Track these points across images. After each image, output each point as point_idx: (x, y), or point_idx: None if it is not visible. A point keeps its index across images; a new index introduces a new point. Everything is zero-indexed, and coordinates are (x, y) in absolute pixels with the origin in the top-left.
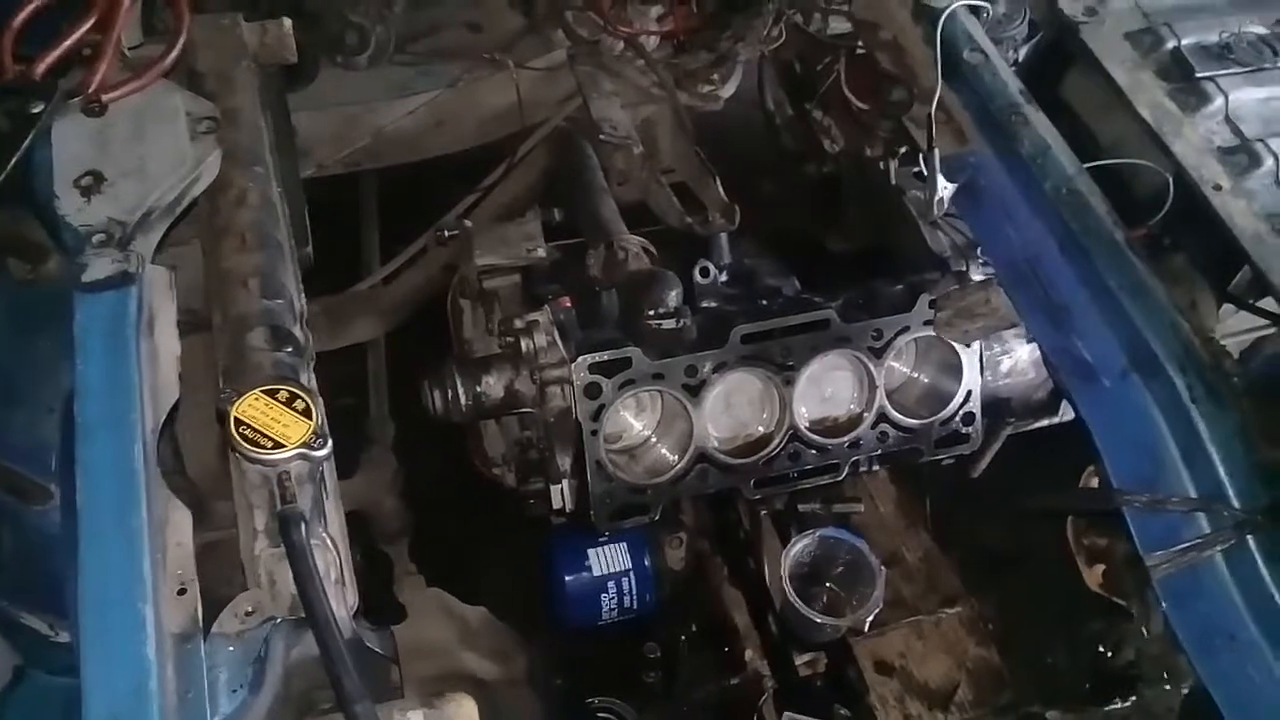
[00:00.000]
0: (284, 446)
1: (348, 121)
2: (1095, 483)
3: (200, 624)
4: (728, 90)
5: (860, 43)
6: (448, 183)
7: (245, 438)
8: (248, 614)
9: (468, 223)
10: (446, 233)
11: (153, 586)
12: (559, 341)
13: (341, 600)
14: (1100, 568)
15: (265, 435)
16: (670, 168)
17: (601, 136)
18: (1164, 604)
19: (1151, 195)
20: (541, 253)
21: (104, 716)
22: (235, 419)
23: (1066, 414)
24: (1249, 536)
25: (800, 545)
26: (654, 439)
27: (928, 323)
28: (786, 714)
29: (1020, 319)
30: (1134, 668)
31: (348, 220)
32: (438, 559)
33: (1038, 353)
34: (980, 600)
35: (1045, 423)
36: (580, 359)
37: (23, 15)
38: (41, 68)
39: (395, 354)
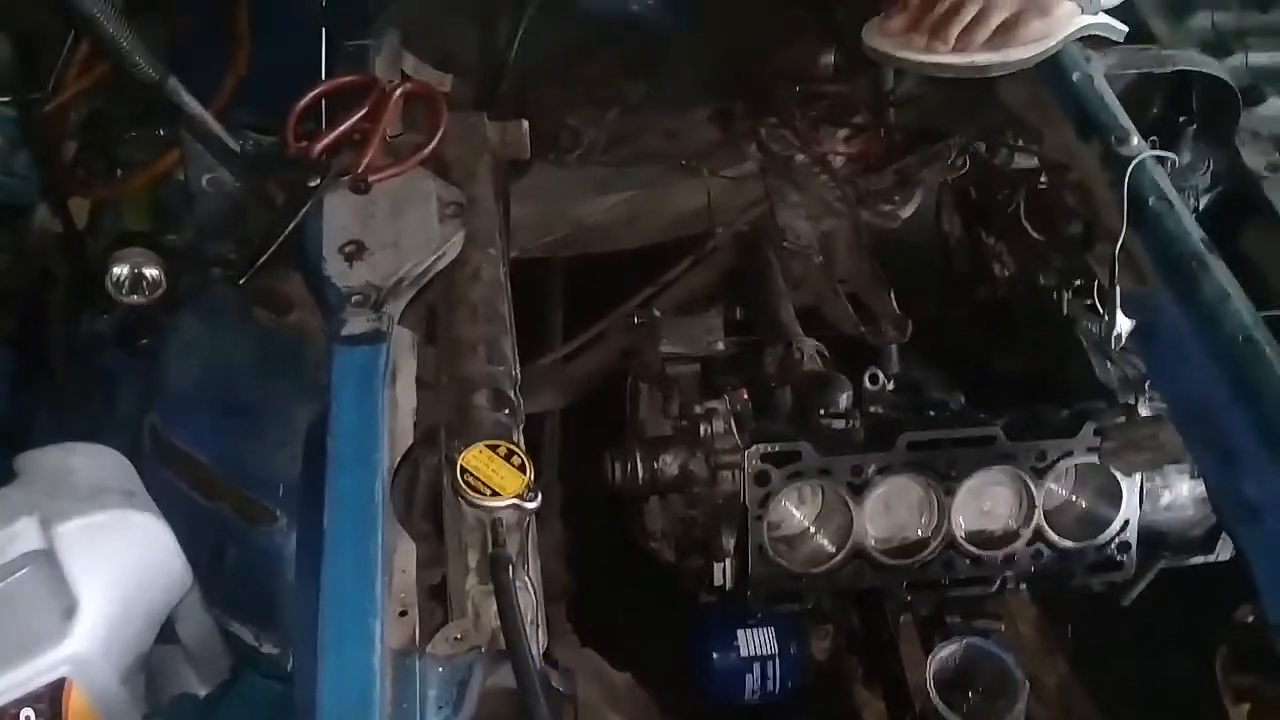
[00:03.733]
0: (500, 495)
1: (551, 212)
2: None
3: (417, 644)
4: (907, 211)
5: (1044, 180)
6: (627, 274)
7: (468, 484)
8: (456, 640)
9: (657, 312)
10: (636, 319)
11: (381, 605)
12: (734, 430)
13: (535, 640)
14: (1246, 706)
15: (485, 484)
16: (846, 278)
17: (785, 244)
18: None
19: None
20: (721, 346)
21: (333, 716)
22: (461, 467)
23: (1222, 553)
24: None
25: (947, 651)
26: (814, 530)
27: (1091, 449)
28: None
29: (1187, 456)
30: None
31: (533, 301)
32: (591, 623)
33: (1199, 490)
34: None
35: (1200, 559)
36: (754, 448)
37: (304, 102)
38: (319, 147)
39: (565, 427)
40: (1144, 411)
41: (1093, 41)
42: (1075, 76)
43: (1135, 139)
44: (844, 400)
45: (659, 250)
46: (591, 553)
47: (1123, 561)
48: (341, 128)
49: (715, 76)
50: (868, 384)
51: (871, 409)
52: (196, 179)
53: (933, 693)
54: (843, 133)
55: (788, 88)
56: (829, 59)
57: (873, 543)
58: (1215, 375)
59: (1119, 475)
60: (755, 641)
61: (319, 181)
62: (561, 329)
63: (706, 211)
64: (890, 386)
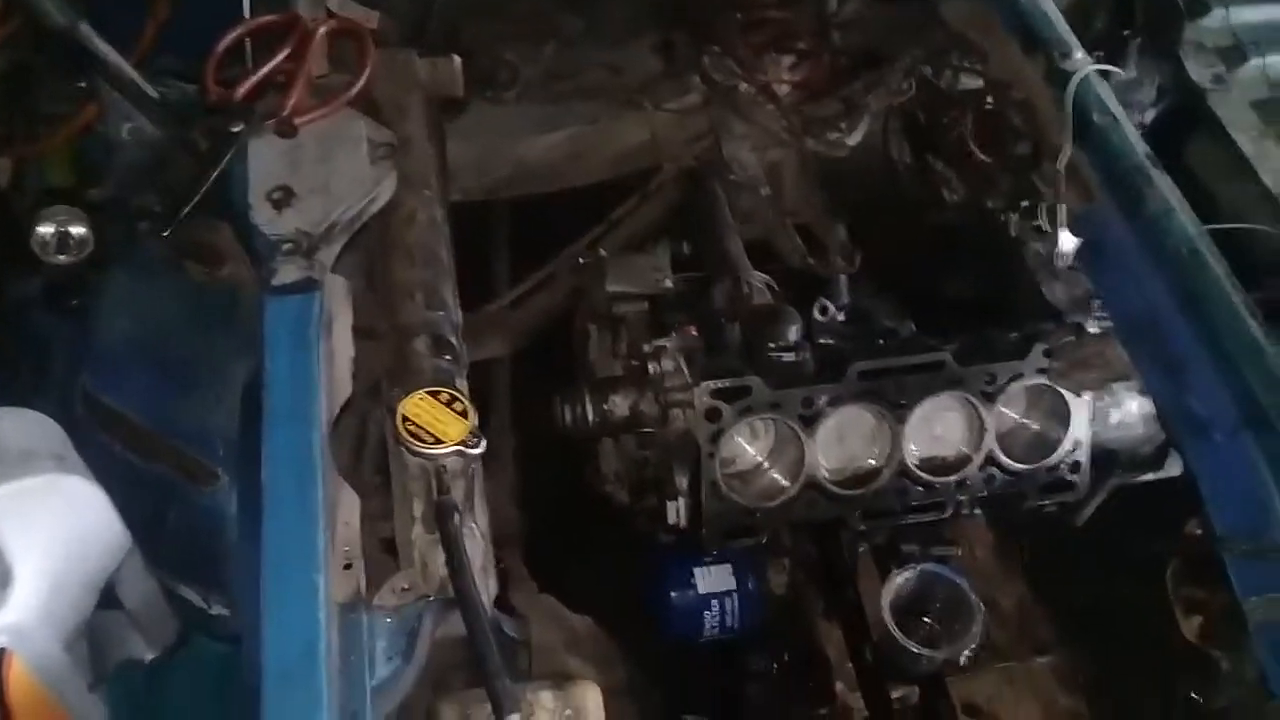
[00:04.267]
0: (444, 442)
1: (492, 152)
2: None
3: (363, 596)
4: (854, 138)
5: (990, 100)
6: (574, 214)
7: (410, 432)
8: (404, 590)
9: (602, 251)
10: (581, 260)
11: (324, 559)
12: (684, 367)
13: (485, 586)
14: (1198, 619)
15: (427, 431)
16: (794, 209)
17: (731, 176)
18: (1259, 649)
19: (1270, 260)
20: (669, 283)
21: (277, 672)
22: (402, 415)
23: (1171, 469)
24: None
25: (902, 578)
26: (766, 465)
27: (1041, 371)
28: None
29: (1135, 373)
30: (1226, 715)
31: (479, 245)
32: (549, 567)
33: (1147, 407)
34: (1072, 651)
35: (1150, 477)
36: (703, 384)
37: (224, 44)
38: (241, 92)
39: (517, 372)
40: (1092, 330)
41: None
42: None
43: (1079, 54)
44: (793, 333)
45: (606, 188)
46: (548, 498)
47: (1074, 482)
48: (264, 70)
49: (655, 6)
50: (817, 315)
51: (821, 340)
52: (116, 130)
53: (889, 620)
54: (788, 60)
55: (729, 15)
56: None
57: (826, 474)
58: (1160, 288)
59: (1068, 396)
60: (712, 578)
61: (242, 127)
62: (509, 273)
63: (651, 146)
64: (840, 317)
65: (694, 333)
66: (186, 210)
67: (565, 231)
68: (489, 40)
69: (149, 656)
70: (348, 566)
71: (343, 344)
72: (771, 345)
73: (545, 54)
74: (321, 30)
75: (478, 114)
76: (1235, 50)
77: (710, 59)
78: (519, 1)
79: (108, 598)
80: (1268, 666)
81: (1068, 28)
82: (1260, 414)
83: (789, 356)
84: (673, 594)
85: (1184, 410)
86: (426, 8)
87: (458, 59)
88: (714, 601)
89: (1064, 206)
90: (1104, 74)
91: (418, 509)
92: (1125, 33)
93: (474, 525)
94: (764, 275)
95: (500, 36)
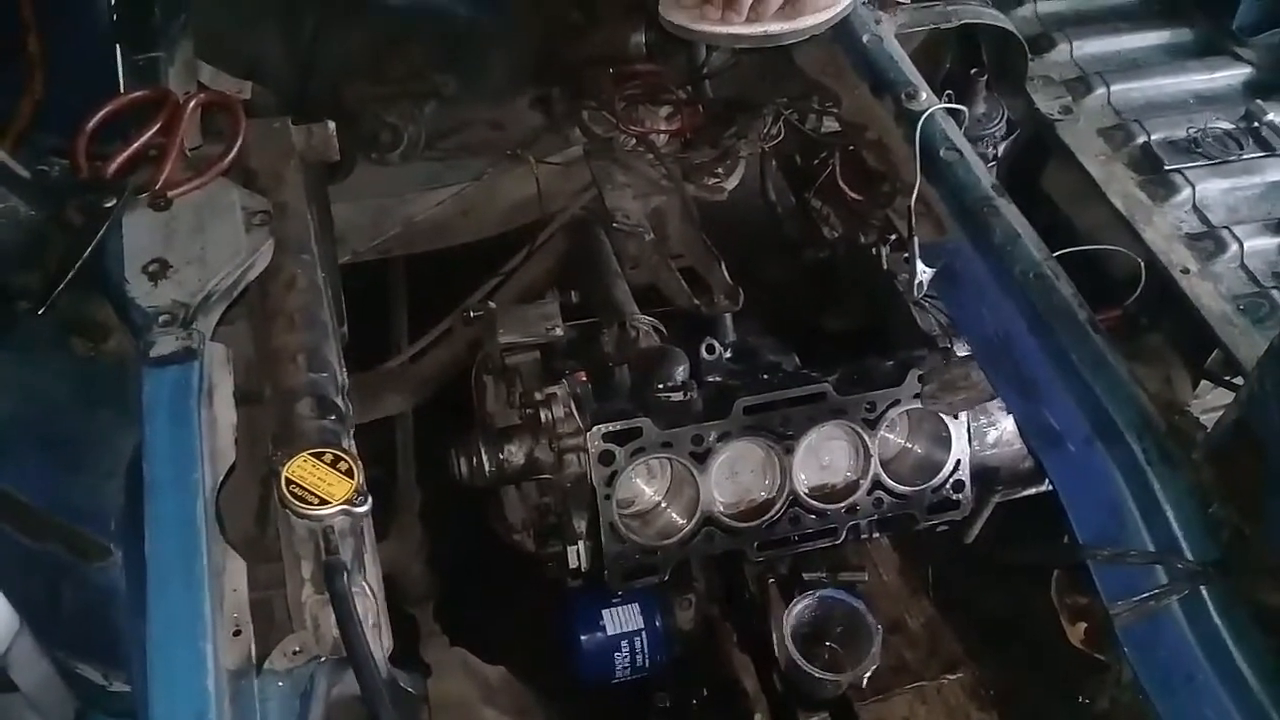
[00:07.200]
0: (329, 503)
1: (381, 212)
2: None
3: (254, 662)
4: (732, 182)
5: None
6: (471, 268)
7: (294, 495)
8: (295, 653)
9: (492, 304)
10: (472, 313)
11: (212, 627)
12: (575, 412)
13: (378, 643)
14: (1082, 625)
15: (312, 493)
16: (679, 253)
17: (615, 225)
18: (1126, 650)
19: (1126, 278)
20: (559, 331)
21: None
22: (286, 478)
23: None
24: (1202, 587)
25: (801, 605)
26: (664, 504)
27: (917, 396)
28: None
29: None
30: (1109, 716)
31: (378, 303)
32: (460, 620)
33: None
34: (981, 666)
35: (1032, 490)
36: (595, 428)
37: (95, 119)
38: (113, 167)
39: (422, 427)
40: (961, 353)
41: (885, 1)
42: (866, 38)
43: (925, 94)
44: (680, 373)
45: (501, 242)
46: (456, 552)
47: (959, 500)
48: (135, 144)
49: (530, 63)
50: (704, 354)
51: (709, 379)
52: None
53: (790, 646)
54: (664, 110)
55: (601, 70)
56: (639, 38)
57: (721, 509)
58: (1011, 311)
59: (946, 417)
60: (621, 619)
61: (114, 202)
62: (408, 330)
63: (538, 199)
64: (727, 355)
65: (584, 378)
66: (60, 288)
67: (464, 286)
68: (370, 103)
69: None
70: (237, 633)
71: (224, 411)
72: (660, 386)
73: (427, 113)
74: (192, 104)
75: (364, 176)
76: (1080, 81)
77: (588, 112)
78: (397, 64)
79: (1, 681)
80: (1136, 665)
81: (914, 69)
82: (1109, 424)
83: (677, 396)
84: (583, 637)
85: (1040, 424)
86: (305, 76)
87: (331, 124)
88: (624, 642)
89: (917, 239)
90: (951, 112)
91: (306, 570)
92: (973, 71)
93: (365, 583)
94: (650, 318)
95: (381, 99)
